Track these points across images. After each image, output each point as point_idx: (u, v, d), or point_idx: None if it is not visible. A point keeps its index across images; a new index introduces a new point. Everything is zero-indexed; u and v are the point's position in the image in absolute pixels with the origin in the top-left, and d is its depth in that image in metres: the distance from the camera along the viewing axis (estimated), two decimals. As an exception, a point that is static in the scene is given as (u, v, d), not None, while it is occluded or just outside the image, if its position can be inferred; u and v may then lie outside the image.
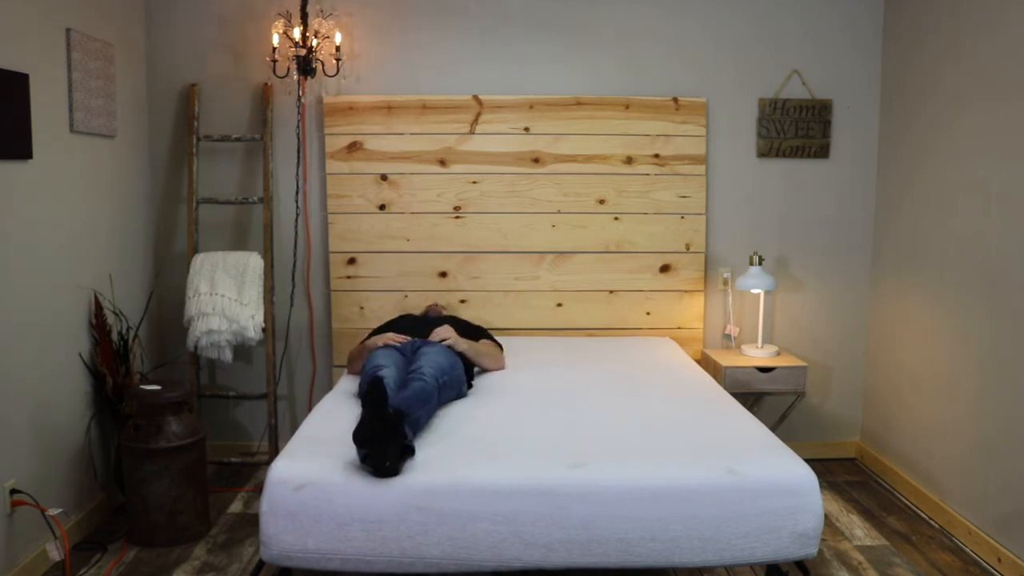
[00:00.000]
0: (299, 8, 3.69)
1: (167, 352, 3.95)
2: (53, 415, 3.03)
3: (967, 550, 3.17)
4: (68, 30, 3.11)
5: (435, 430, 2.60)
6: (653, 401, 2.95)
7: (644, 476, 2.29)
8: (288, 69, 3.77)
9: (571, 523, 2.23)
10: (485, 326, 3.78)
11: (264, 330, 3.78)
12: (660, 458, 2.39)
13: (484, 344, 3.40)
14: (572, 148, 3.94)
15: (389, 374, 2.77)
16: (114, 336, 3.38)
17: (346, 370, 3.43)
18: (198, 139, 3.85)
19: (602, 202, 3.97)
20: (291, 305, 3.98)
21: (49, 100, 3.00)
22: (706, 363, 3.96)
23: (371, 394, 2.27)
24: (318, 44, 3.73)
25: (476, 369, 3.29)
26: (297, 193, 3.93)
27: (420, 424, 2.52)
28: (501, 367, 3.41)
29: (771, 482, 2.30)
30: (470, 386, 3.09)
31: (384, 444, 2.23)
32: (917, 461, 3.62)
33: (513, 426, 2.66)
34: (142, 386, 3.23)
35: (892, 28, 3.90)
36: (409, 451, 2.31)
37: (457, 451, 2.43)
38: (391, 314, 3.87)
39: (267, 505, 2.24)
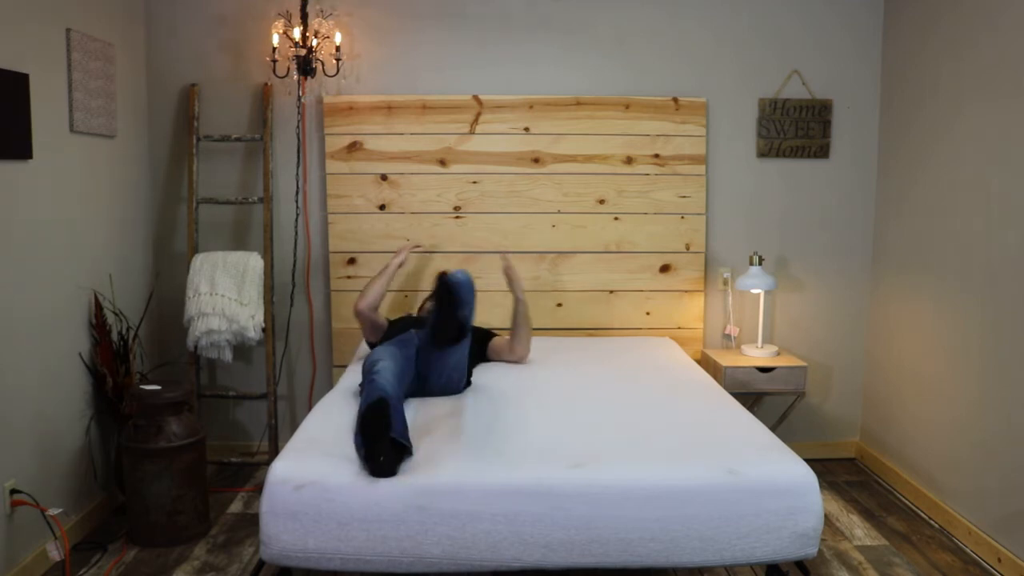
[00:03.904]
0: (299, 8, 3.69)
1: (167, 352, 3.95)
2: (53, 415, 3.03)
3: (967, 550, 3.17)
4: (68, 30, 3.11)
5: (435, 430, 2.60)
6: (653, 401, 2.95)
7: (644, 476, 2.29)
8: (288, 69, 3.77)
9: (571, 523, 2.23)
10: (485, 326, 3.77)
11: (264, 330, 3.78)
12: (660, 458, 2.39)
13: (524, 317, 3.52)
14: (572, 148, 3.94)
15: (388, 368, 2.75)
16: (114, 336, 3.38)
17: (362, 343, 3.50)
18: (198, 139, 3.86)
19: (602, 202, 3.97)
20: (291, 305, 3.99)
21: (49, 100, 3.00)
22: (706, 363, 3.96)
23: (372, 418, 2.33)
24: (318, 44, 3.73)
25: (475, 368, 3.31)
26: (297, 193, 3.93)
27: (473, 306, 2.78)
28: (524, 356, 3.49)
29: (771, 482, 2.30)
30: (468, 383, 3.09)
31: (379, 441, 2.27)
32: (917, 461, 3.62)
33: (513, 426, 2.66)
34: (142, 386, 3.23)
35: (892, 28, 3.90)
36: (406, 451, 2.31)
37: (457, 451, 2.42)
38: (391, 314, 3.86)
39: (267, 505, 2.24)
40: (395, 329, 3.40)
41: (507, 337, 3.52)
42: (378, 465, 2.25)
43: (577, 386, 3.12)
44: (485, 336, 3.54)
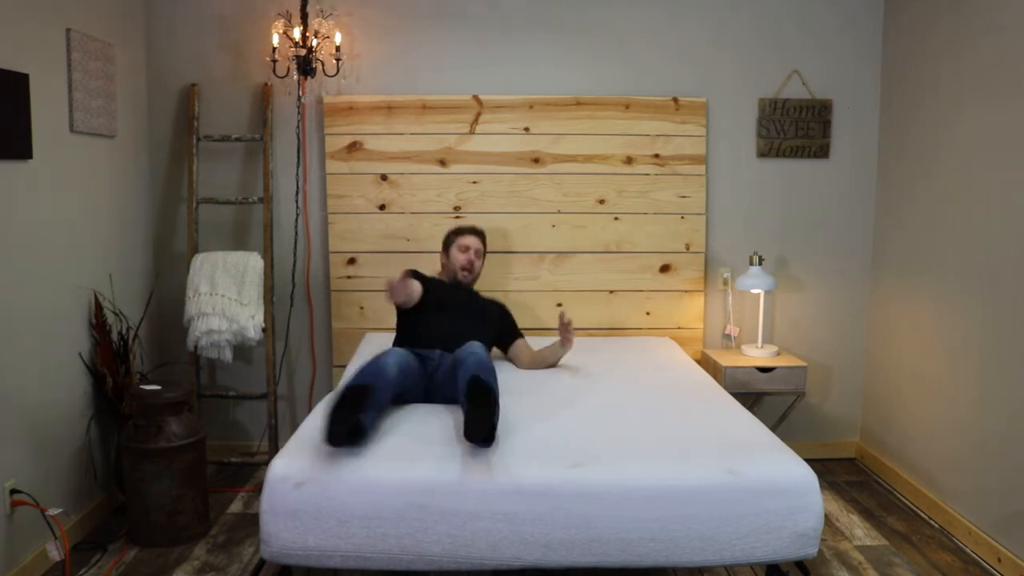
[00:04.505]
0: (299, 8, 3.69)
1: (167, 352, 3.95)
2: (53, 415, 3.03)
3: (967, 550, 3.17)
4: (68, 30, 3.11)
5: (437, 429, 2.60)
6: (653, 401, 2.94)
7: (644, 476, 2.29)
8: (288, 69, 3.77)
9: (571, 523, 2.23)
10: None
11: (264, 330, 3.78)
12: (660, 458, 2.39)
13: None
14: (572, 148, 3.94)
15: (394, 357, 2.77)
16: (114, 336, 3.38)
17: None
18: (198, 139, 3.86)
19: (602, 202, 3.97)
20: (291, 305, 3.99)
21: (49, 100, 3.00)
22: (706, 363, 3.96)
23: (350, 398, 2.38)
24: (318, 44, 3.73)
25: None
26: (297, 193, 3.93)
27: (496, 391, 2.60)
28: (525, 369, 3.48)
29: (771, 482, 2.30)
30: None
31: (344, 415, 2.34)
32: (917, 461, 3.62)
33: (513, 426, 2.65)
34: (142, 386, 3.23)
35: (892, 28, 3.90)
36: (363, 434, 2.38)
37: (457, 450, 2.42)
38: (391, 315, 3.79)
39: (267, 503, 2.24)
40: (433, 301, 3.31)
41: (529, 346, 3.49)
42: (333, 433, 2.31)
43: (577, 386, 3.12)
44: (511, 331, 3.52)
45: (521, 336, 3.54)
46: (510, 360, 3.50)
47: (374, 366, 2.66)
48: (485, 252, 3.59)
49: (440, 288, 3.39)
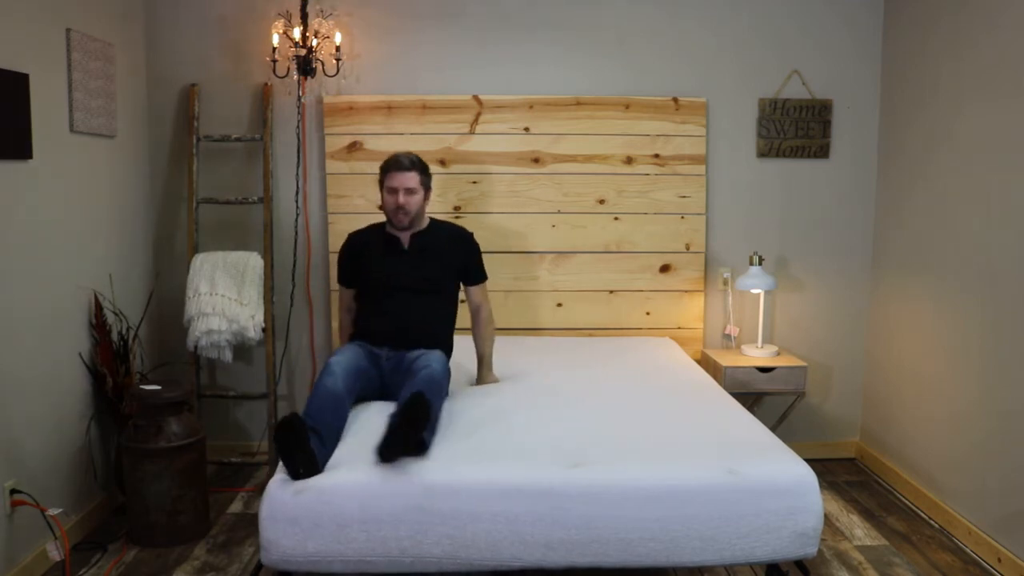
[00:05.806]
0: (299, 8, 3.69)
1: (167, 352, 3.94)
2: (53, 415, 3.03)
3: (967, 550, 3.17)
4: (68, 30, 3.11)
5: (435, 430, 2.60)
6: (653, 401, 2.95)
7: (644, 476, 2.29)
8: (288, 69, 3.77)
9: (571, 523, 2.24)
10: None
11: (264, 330, 3.78)
12: (660, 458, 2.39)
13: (491, 345, 3.28)
14: (572, 148, 3.94)
15: (336, 379, 2.69)
16: (114, 336, 3.38)
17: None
18: (198, 139, 3.85)
19: (602, 202, 3.97)
20: (291, 305, 3.98)
21: (49, 100, 3.00)
22: (706, 363, 3.96)
23: (282, 435, 2.31)
24: (318, 44, 3.73)
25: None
26: (297, 193, 3.93)
27: (438, 420, 2.57)
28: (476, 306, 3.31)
29: (771, 482, 2.30)
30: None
31: (297, 454, 2.30)
32: (917, 461, 3.62)
33: (513, 426, 2.66)
34: (142, 386, 3.23)
35: (892, 28, 3.90)
36: (315, 465, 2.33)
37: (457, 451, 2.43)
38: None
39: (267, 510, 2.24)
40: (359, 262, 3.19)
41: (477, 295, 3.29)
42: (297, 475, 2.29)
43: (577, 386, 3.12)
44: (471, 275, 3.29)
45: (479, 283, 3.29)
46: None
47: (318, 398, 2.60)
48: (425, 181, 3.11)
49: (381, 260, 3.14)
